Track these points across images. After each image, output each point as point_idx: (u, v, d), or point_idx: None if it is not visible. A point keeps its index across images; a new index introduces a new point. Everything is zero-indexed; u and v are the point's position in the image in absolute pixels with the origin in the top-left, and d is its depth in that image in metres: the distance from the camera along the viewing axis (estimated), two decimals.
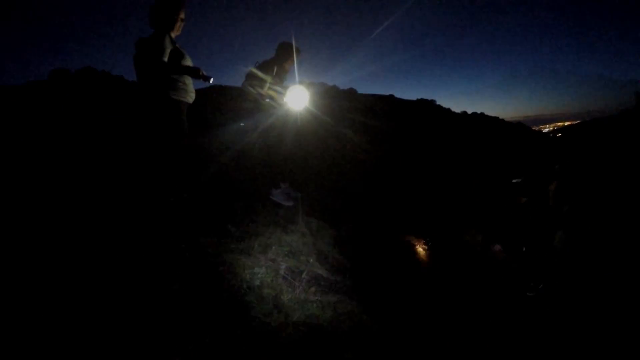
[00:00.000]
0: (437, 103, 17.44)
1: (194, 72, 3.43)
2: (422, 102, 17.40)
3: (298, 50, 4.38)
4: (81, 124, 6.86)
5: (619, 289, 3.89)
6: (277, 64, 4.33)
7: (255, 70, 4.28)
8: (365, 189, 6.30)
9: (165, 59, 3.26)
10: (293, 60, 4.39)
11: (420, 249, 4.82)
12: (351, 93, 21.35)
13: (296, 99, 4.17)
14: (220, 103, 8.34)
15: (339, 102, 16.62)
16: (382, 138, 11.26)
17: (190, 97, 3.54)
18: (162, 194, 3.39)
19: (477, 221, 5.67)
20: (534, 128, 22.34)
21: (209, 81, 3.47)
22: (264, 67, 4.31)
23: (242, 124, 4.37)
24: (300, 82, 4.24)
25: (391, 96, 17.73)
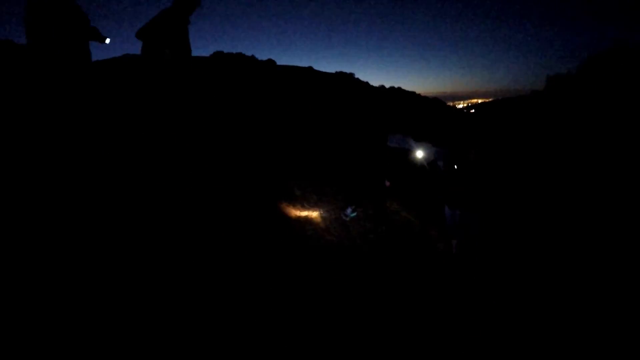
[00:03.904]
0: (356, 77, 17.00)
1: (94, 34, 3.47)
2: (340, 75, 16.85)
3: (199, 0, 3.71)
4: None
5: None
6: (176, 15, 3.66)
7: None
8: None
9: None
10: (193, 10, 3.75)
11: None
12: (270, 65, 20.45)
13: None
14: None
15: (256, 73, 15.67)
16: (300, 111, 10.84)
17: None
18: None
19: (395, 192, 5.36)
20: (449, 103, 23.16)
21: (105, 41, 3.57)
22: (160, 19, 3.59)
23: None
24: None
25: (310, 68, 16.98)
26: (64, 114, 3.26)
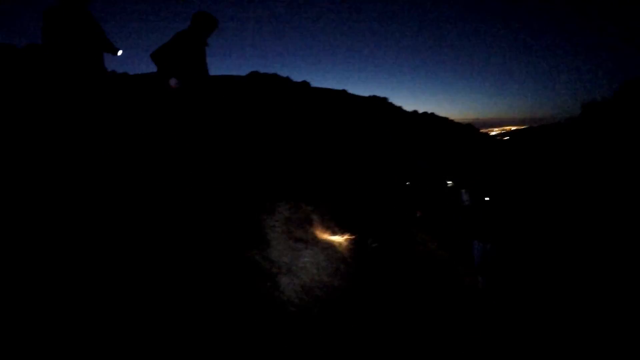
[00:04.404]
0: (389, 101, 17.14)
1: (108, 47, 3.77)
2: (374, 99, 17.04)
3: (216, 22, 3.80)
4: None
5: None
6: (193, 37, 3.79)
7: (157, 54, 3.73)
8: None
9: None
10: (210, 33, 3.89)
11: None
12: (304, 86, 20.90)
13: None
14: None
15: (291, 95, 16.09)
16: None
17: None
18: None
19: (425, 221, 5.27)
20: (482, 130, 22.85)
21: (117, 53, 3.73)
22: (176, 41, 3.71)
23: None
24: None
25: (344, 91, 17.27)
26: (68, 118, 3.49)
